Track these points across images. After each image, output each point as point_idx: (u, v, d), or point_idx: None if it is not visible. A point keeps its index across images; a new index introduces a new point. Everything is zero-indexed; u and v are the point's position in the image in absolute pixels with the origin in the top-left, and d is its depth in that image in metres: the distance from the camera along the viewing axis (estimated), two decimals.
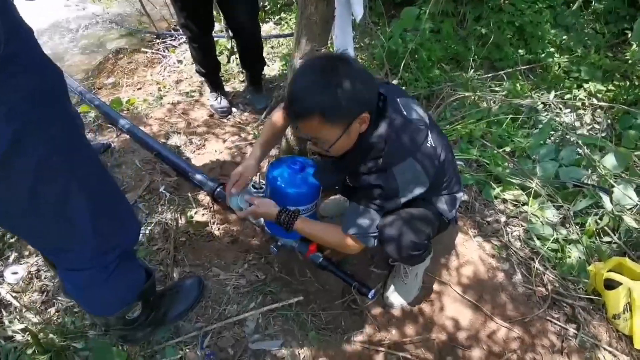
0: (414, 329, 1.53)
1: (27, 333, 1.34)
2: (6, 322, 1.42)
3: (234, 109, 2.47)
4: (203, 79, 2.44)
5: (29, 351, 1.33)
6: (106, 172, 1.03)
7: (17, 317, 1.44)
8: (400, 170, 1.14)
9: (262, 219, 1.66)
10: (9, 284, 1.54)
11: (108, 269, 1.03)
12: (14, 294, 1.51)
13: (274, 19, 3.37)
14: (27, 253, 1.63)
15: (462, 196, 1.48)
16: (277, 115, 1.42)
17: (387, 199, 1.18)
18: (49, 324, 1.43)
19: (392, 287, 1.58)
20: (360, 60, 2.84)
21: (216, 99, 2.44)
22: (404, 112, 1.18)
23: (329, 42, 1.52)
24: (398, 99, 1.21)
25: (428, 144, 1.18)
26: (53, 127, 0.81)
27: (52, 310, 1.48)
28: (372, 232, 1.24)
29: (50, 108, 0.80)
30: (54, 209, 0.88)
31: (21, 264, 1.61)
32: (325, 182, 1.41)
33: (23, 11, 0.79)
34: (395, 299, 1.57)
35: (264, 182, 1.61)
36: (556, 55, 3.03)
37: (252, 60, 2.36)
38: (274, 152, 2.14)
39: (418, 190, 1.18)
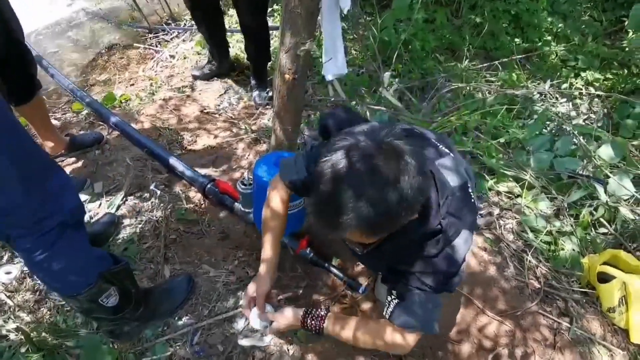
0: None
1: (20, 332, 1.35)
2: (0, 322, 1.43)
3: (225, 104, 2.45)
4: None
5: (23, 350, 1.34)
6: (30, 140, 1.05)
7: (11, 316, 1.45)
8: (458, 245, 1.02)
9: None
10: (2, 283, 1.55)
11: (49, 235, 1.06)
12: (7, 294, 1.52)
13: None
14: None
15: None
16: (277, 206, 1.27)
17: (450, 277, 1.04)
18: (41, 322, 1.44)
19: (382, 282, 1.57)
20: (352, 53, 2.81)
21: (207, 56, 2.60)
22: (450, 182, 1.01)
23: (318, 35, 1.50)
24: (437, 162, 1.02)
25: (472, 200, 1.06)
26: None
27: (45, 309, 1.49)
28: (437, 318, 1.09)
29: None
30: None
31: (14, 263, 1.61)
32: (369, 266, 1.32)
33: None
34: (386, 294, 1.56)
35: (252, 177, 1.60)
36: (553, 43, 2.99)
37: (256, 50, 2.33)
38: (263, 147, 2.14)
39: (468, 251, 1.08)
